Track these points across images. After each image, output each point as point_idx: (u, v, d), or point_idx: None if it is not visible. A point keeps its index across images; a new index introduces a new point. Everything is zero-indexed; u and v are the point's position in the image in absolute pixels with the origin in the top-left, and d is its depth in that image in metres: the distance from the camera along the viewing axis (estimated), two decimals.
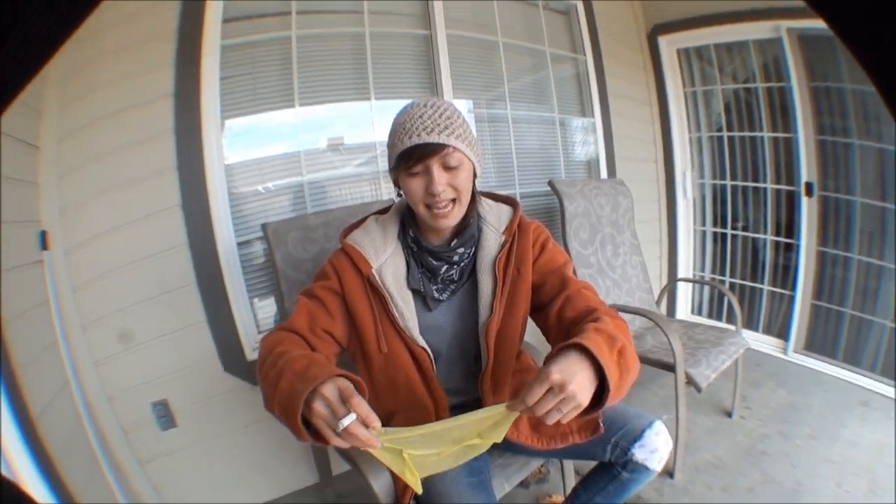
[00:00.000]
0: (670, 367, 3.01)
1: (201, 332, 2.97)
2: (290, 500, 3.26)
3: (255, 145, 3.27)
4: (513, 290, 1.88)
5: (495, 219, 1.95)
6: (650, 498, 2.96)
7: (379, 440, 1.27)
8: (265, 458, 3.21)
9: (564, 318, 1.76)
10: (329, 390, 1.26)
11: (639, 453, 1.86)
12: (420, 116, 1.65)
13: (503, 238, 1.90)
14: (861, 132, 4.24)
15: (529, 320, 1.99)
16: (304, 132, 3.33)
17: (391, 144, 1.72)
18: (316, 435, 1.31)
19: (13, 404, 1.98)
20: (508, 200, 2.04)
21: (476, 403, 1.96)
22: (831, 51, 4.25)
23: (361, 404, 1.23)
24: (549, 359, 1.38)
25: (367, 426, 1.24)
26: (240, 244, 3.09)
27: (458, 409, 1.82)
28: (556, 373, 1.29)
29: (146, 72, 2.82)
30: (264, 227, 2.72)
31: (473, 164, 1.75)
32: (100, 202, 2.76)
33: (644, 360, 3.13)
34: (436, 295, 1.88)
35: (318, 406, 1.26)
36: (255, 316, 3.17)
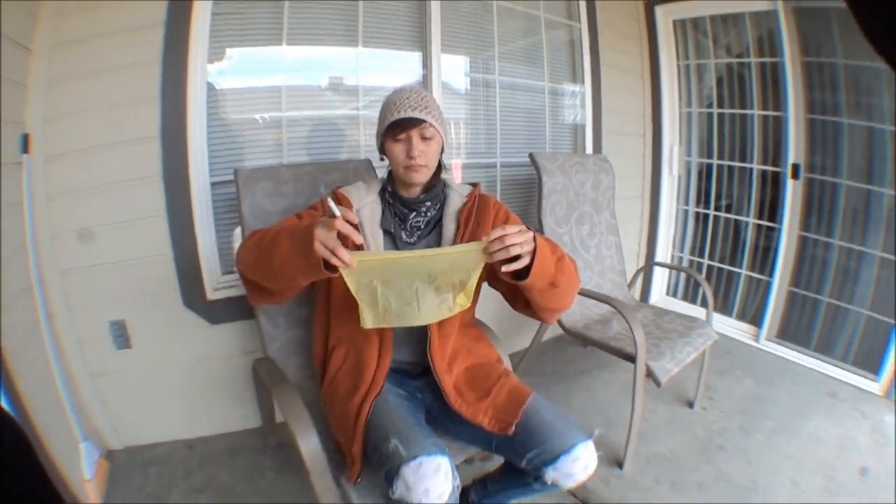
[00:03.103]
0: (631, 358, 2.95)
1: (166, 263, 3.01)
2: (232, 440, 3.28)
3: (240, 79, 3.30)
4: (472, 238, 2.18)
5: (459, 188, 2.35)
6: (596, 488, 2.90)
7: (354, 260, 1.65)
8: (213, 394, 3.26)
9: None
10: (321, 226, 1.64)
11: (551, 474, 1.88)
12: (407, 98, 2.08)
13: (466, 199, 2.29)
14: (851, 109, 4.22)
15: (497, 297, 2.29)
16: (289, 71, 3.35)
17: (381, 118, 2.15)
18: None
19: None
20: (472, 184, 2.42)
21: (422, 341, 2.20)
22: (825, 23, 4.22)
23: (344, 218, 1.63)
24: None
25: (348, 222, 1.63)
26: (216, 183, 3.10)
27: (401, 342, 2.23)
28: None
29: None
30: (236, 172, 2.68)
31: (442, 140, 2.18)
32: (84, 118, 2.78)
33: (607, 348, 3.18)
34: (405, 237, 2.24)
35: (318, 232, 1.62)
36: (220, 256, 3.19)
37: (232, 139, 3.22)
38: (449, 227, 2.24)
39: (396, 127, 2.07)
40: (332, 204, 1.65)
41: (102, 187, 2.83)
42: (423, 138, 2.10)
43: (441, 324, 2.11)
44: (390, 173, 2.29)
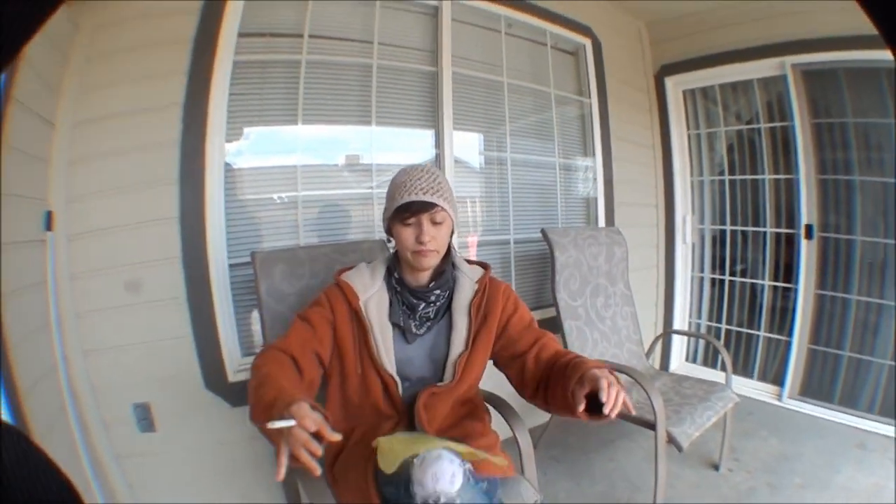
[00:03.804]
0: (652, 426, 2.96)
1: (187, 345, 2.99)
2: None
3: (257, 158, 3.33)
4: (479, 332, 2.20)
5: (469, 272, 2.29)
6: None
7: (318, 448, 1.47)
8: (237, 477, 3.21)
9: (541, 360, 2.13)
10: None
11: None
12: (418, 179, 2.02)
13: (477, 286, 2.24)
14: (863, 166, 4.29)
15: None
16: (305, 149, 3.37)
17: (390, 197, 2.08)
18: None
19: (2, 379, 2.06)
20: (482, 264, 2.37)
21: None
22: (835, 84, 4.31)
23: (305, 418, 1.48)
24: (590, 374, 1.79)
25: (317, 435, 1.48)
26: (234, 265, 3.09)
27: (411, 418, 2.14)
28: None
29: (161, 76, 2.88)
30: (253, 254, 2.72)
31: (453, 223, 2.13)
32: (105, 198, 2.81)
33: (627, 417, 3.10)
34: (414, 329, 2.18)
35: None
36: (240, 338, 3.17)
37: (249, 219, 3.24)
38: (460, 320, 2.20)
39: (406, 210, 2.01)
40: (278, 424, 1.47)
41: (124, 268, 2.85)
42: (434, 223, 2.04)
43: (426, 405, 2.12)
44: (396, 255, 2.23)
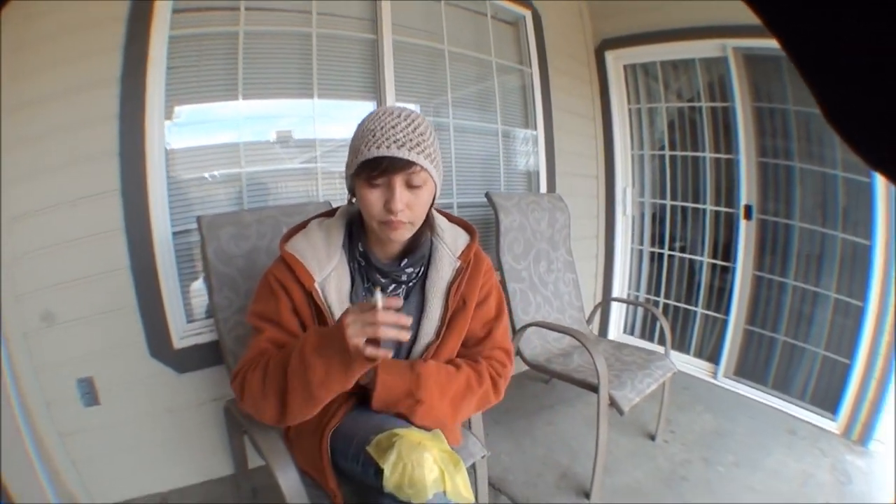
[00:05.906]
0: (594, 388, 2.99)
1: (130, 316, 2.96)
2: (206, 489, 3.22)
3: (198, 135, 3.28)
4: (455, 317, 1.94)
5: (451, 240, 1.96)
6: None
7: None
8: (185, 444, 3.21)
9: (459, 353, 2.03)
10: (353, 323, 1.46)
11: None
12: (393, 127, 1.59)
13: (458, 264, 1.93)
14: (803, 155, 4.34)
15: None
16: (246, 125, 3.33)
17: (354, 148, 1.66)
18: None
19: None
20: (467, 227, 2.05)
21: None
22: (776, 71, 4.37)
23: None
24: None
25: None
26: (177, 233, 3.08)
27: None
28: None
29: (95, 54, 2.82)
30: (199, 219, 2.69)
31: (435, 186, 1.75)
32: (41, 179, 2.75)
33: (570, 380, 3.21)
34: None
35: (351, 329, 1.45)
36: (184, 305, 3.16)
37: (191, 191, 3.24)
38: (433, 306, 1.92)
39: (374, 168, 1.60)
40: (378, 297, 1.43)
41: (66, 244, 2.82)
42: (410, 186, 1.66)
43: (382, 374, 1.81)
44: (359, 218, 1.87)
